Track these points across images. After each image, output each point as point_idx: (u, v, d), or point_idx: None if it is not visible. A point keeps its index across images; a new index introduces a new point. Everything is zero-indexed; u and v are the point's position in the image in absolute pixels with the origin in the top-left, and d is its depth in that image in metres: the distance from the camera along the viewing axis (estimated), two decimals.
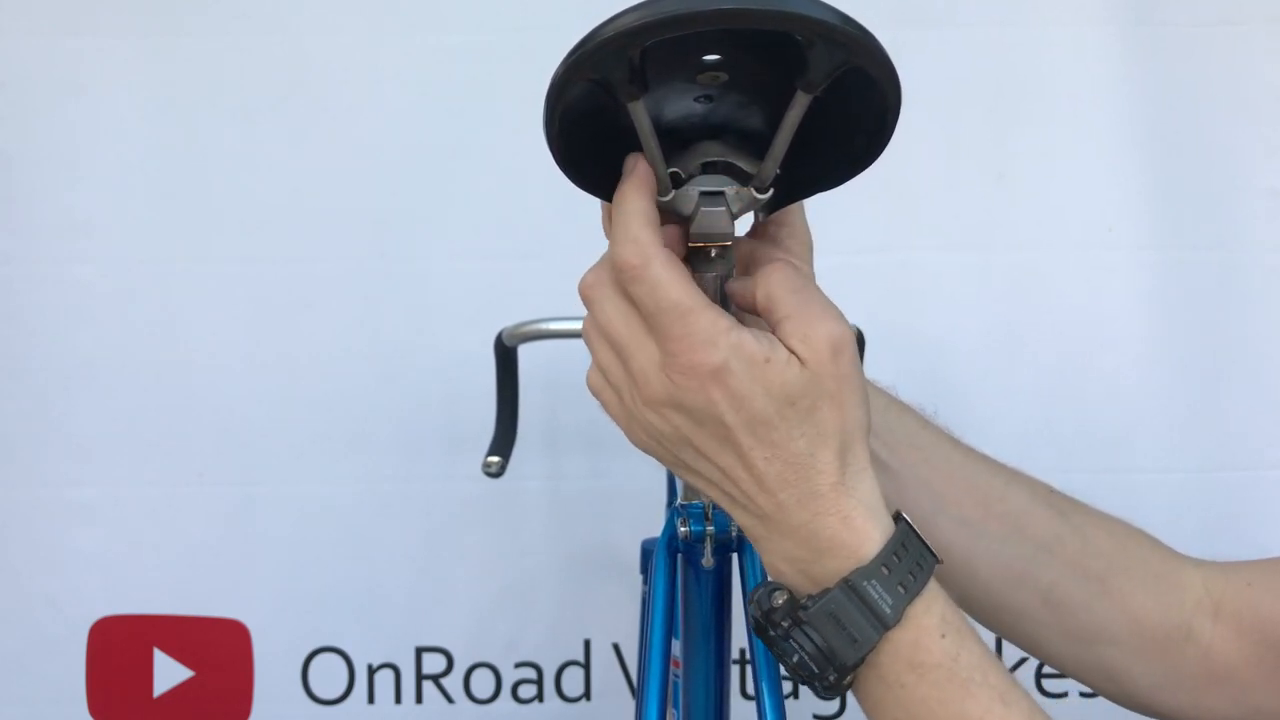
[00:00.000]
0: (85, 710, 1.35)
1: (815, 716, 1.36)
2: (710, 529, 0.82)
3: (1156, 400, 1.32)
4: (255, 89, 1.30)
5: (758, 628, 0.56)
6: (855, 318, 0.99)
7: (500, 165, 1.28)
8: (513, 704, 1.36)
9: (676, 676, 0.88)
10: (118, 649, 1.34)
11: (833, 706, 1.36)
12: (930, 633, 0.53)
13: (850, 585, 0.53)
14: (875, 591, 0.53)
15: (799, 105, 0.52)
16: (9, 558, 1.33)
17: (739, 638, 0.87)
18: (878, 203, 1.27)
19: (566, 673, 1.36)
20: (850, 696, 0.56)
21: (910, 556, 0.54)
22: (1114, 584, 0.71)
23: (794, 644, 0.54)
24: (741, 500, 0.55)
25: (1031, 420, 1.31)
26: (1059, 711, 1.39)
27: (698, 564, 0.83)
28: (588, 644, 1.36)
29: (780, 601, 0.55)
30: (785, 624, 0.54)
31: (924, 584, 0.54)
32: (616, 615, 1.32)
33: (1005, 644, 1.28)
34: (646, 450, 0.58)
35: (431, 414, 1.32)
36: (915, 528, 0.56)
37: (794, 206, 0.62)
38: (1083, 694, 1.30)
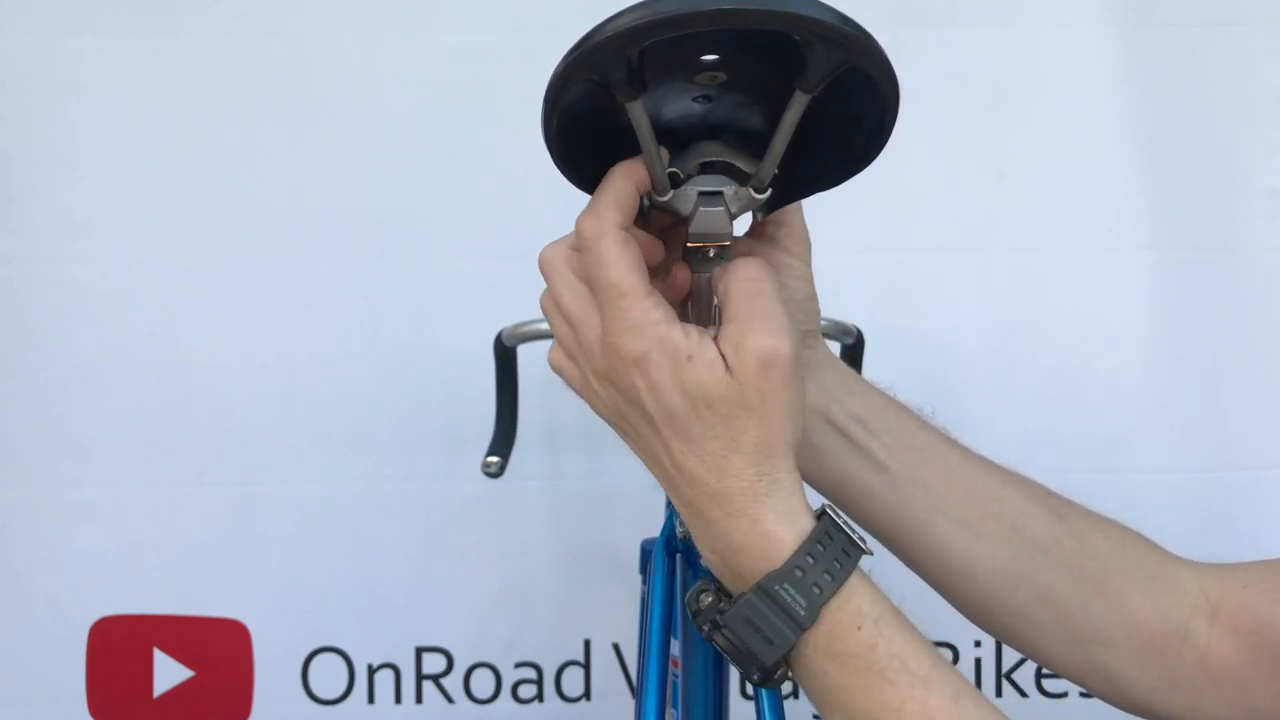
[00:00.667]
0: (85, 710, 1.35)
1: (815, 717, 1.36)
2: None
3: (1156, 400, 1.32)
4: (255, 89, 1.30)
5: (696, 626, 0.57)
6: (855, 318, 1.00)
7: (500, 165, 1.28)
8: (513, 704, 1.36)
9: (676, 676, 0.88)
10: (118, 649, 1.34)
11: None
12: (845, 627, 0.54)
13: (763, 589, 0.54)
14: (788, 594, 0.53)
15: (797, 105, 0.52)
16: (9, 558, 1.33)
17: None
18: (877, 203, 1.27)
19: (566, 673, 1.36)
20: None
21: (828, 555, 0.54)
22: (1111, 586, 0.70)
23: (717, 644, 0.55)
24: (670, 484, 0.57)
25: (1031, 420, 1.31)
26: (1059, 711, 1.40)
27: (696, 563, 0.83)
28: (588, 644, 1.36)
29: (705, 604, 0.56)
30: (706, 627, 0.56)
31: (843, 580, 0.54)
32: (616, 615, 1.32)
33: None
34: (606, 420, 0.59)
35: (431, 414, 1.32)
36: (842, 521, 0.56)
37: (792, 206, 0.62)
38: (1082, 694, 1.29)
